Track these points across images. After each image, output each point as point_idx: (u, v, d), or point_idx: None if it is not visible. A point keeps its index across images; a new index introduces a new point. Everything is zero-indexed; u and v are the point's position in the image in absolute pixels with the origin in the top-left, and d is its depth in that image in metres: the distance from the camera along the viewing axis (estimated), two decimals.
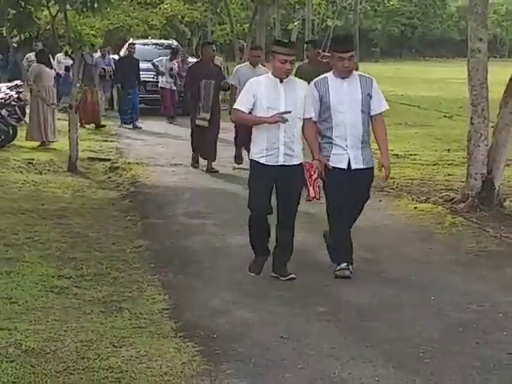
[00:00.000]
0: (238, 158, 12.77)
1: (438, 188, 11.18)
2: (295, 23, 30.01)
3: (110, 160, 13.72)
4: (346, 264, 6.92)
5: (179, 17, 35.30)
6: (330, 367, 5.01)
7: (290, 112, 6.59)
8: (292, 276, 6.80)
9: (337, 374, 4.91)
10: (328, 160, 6.91)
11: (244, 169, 12.41)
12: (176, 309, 6.05)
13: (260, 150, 6.74)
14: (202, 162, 12.88)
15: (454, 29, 79.06)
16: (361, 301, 6.35)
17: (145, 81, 20.70)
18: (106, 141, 16.74)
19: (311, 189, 6.78)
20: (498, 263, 7.50)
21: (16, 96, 14.96)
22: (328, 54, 13.17)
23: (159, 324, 5.69)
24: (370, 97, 6.94)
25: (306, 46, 13.30)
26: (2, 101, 14.63)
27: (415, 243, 8.29)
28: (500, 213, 9.51)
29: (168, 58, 20.72)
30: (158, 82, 21.34)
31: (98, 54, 21.29)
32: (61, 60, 22.36)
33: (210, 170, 12.55)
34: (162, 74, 20.36)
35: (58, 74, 20.99)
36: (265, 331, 5.65)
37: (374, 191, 9.01)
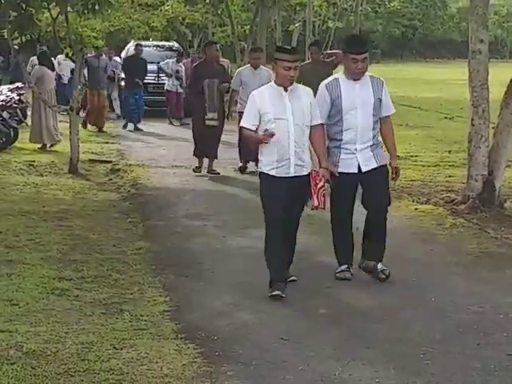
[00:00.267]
0: (243, 170, 12.59)
1: (438, 189, 11.18)
2: (296, 25, 30.03)
3: (110, 162, 13.73)
4: (346, 266, 6.92)
5: (180, 18, 35.30)
6: (331, 368, 5.01)
7: (273, 135, 6.35)
8: (293, 278, 6.74)
9: (337, 376, 4.92)
10: (337, 166, 6.78)
11: (247, 172, 12.45)
12: (177, 311, 6.05)
13: (270, 161, 6.47)
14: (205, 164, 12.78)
15: (455, 30, 79.09)
16: (361, 302, 6.35)
17: (146, 82, 20.65)
18: (106, 143, 16.75)
19: (315, 197, 6.56)
20: (499, 264, 7.50)
21: (17, 98, 14.97)
22: (333, 51, 13.18)
23: (160, 326, 5.69)
24: (381, 100, 6.81)
25: (310, 47, 13.25)
26: (4, 103, 14.64)
27: (416, 244, 8.29)
28: (501, 214, 9.51)
29: (174, 60, 20.63)
30: (159, 83, 21.33)
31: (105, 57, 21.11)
32: (61, 61, 22.37)
33: (211, 172, 12.44)
34: (170, 76, 20.27)
35: (58, 76, 21.00)
36: (265, 333, 5.65)
37: None
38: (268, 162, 6.50)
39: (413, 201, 10.32)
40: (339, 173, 6.77)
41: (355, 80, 6.76)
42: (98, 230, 8.58)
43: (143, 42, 23.62)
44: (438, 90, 32.29)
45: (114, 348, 5.22)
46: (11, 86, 15.95)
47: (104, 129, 18.85)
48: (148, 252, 7.77)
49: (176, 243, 8.21)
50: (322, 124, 6.71)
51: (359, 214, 6.99)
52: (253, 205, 9.96)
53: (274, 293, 6.36)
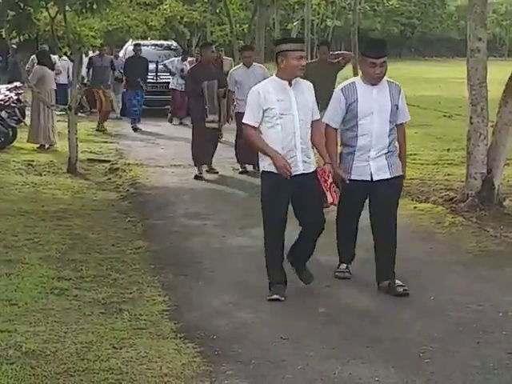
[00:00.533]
0: (244, 172, 12.47)
1: (437, 188, 11.18)
2: (294, 23, 30.02)
3: (109, 161, 13.73)
4: (346, 266, 6.92)
5: (178, 17, 35.27)
6: (331, 368, 5.01)
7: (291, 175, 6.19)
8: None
9: (337, 375, 4.92)
10: (349, 173, 6.57)
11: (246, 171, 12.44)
12: (176, 310, 6.05)
13: None
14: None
15: (454, 28, 79.04)
16: (361, 301, 6.35)
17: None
18: (105, 142, 16.74)
19: (329, 194, 6.38)
20: (498, 263, 7.50)
21: (15, 98, 14.96)
22: (340, 52, 13.07)
23: (159, 325, 5.69)
24: (397, 107, 6.62)
25: (319, 46, 12.90)
26: (2, 102, 14.63)
27: (415, 243, 8.29)
28: (500, 212, 9.51)
29: (179, 58, 20.50)
30: (158, 82, 21.28)
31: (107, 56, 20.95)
32: (55, 61, 22.30)
33: (211, 171, 12.36)
34: (174, 75, 20.15)
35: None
36: (265, 332, 5.65)
37: None
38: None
39: (412, 199, 10.33)
40: (351, 180, 6.59)
41: (373, 85, 6.53)
42: (97, 230, 8.57)
43: (141, 42, 23.60)
44: (437, 89, 32.28)
45: (114, 347, 5.22)
46: (9, 86, 15.93)
47: (102, 128, 18.79)
48: (147, 251, 7.77)
49: (175, 242, 8.21)
50: (335, 128, 6.61)
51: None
52: (252, 204, 9.95)
53: (272, 297, 6.31)
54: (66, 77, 21.40)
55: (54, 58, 22.19)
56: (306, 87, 6.41)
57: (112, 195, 10.82)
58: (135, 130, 18.76)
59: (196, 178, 12.06)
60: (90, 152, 14.80)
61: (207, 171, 12.37)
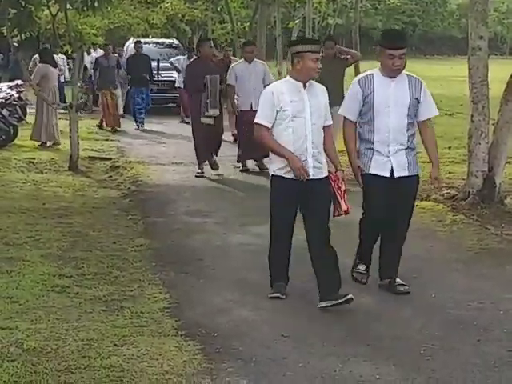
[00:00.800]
0: (245, 171, 12.44)
1: (438, 186, 11.16)
2: (296, 21, 29.94)
3: (110, 159, 13.73)
4: (365, 267, 6.65)
5: (180, 15, 35.21)
6: (331, 365, 5.01)
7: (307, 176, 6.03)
8: (350, 296, 6.02)
9: (337, 372, 4.92)
10: (367, 167, 6.35)
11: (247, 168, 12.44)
12: (177, 307, 6.05)
13: (285, 163, 6.08)
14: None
15: (455, 27, 78.94)
16: (362, 299, 6.34)
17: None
18: (106, 140, 16.74)
19: (343, 202, 6.17)
20: (499, 261, 7.51)
21: (17, 95, 14.97)
22: (347, 50, 12.94)
23: (160, 323, 5.69)
24: (418, 101, 6.35)
25: (324, 42, 12.75)
26: (3, 100, 14.64)
27: (416, 241, 8.26)
28: (501, 210, 9.51)
29: (186, 56, 20.17)
30: (159, 80, 21.23)
31: (116, 56, 20.81)
32: (57, 60, 22.26)
33: (213, 167, 12.15)
34: (180, 72, 19.94)
35: None
36: (265, 329, 5.66)
37: None
38: (282, 164, 6.12)
39: None
40: (370, 174, 6.34)
41: (391, 77, 6.31)
42: (98, 227, 8.57)
43: (142, 40, 23.56)
44: (438, 87, 32.23)
45: (115, 345, 5.22)
46: (11, 84, 15.94)
47: (119, 128, 18.49)
48: (148, 249, 7.77)
49: (176, 240, 8.21)
50: (353, 121, 6.41)
51: None
52: (252, 202, 9.98)
53: (274, 295, 6.30)
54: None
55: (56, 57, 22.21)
56: (320, 91, 6.26)
57: (113, 193, 10.82)
58: (138, 128, 18.64)
59: (197, 176, 12.00)
60: (92, 150, 14.80)
61: (211, 167, 12.11)
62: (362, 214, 6.59)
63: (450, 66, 46.66)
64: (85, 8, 12.80)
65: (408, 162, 6.37)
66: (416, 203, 9.76)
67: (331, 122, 6.32)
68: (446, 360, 5.13)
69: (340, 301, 5.99)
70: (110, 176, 12.18)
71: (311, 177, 6.08)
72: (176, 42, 26.77)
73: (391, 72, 6.29)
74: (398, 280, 6.53)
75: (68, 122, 13.00)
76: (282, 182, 6.16)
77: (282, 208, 6.21)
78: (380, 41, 6.51)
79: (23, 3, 12.64)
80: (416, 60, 67.01)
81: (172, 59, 20.83)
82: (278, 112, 6.08)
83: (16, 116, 15.03)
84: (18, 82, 15.92)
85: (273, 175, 6.26)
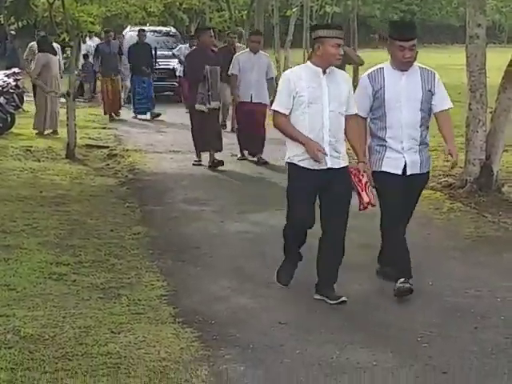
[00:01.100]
0: (243, 159, 12.34)
1: (436, 174, 11.14)
2: (293, 10, 29.87)
3: (108, 147, 13.71)
4: (404, 279, 6.13)
5: (177, 4, 35.11)
6: (329, 352, 5.02)
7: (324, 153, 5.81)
8: (343, 299, 5.94)
9: (335, 359, 4.93)
10: (380, 164, 6.12)
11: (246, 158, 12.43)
12: (174, 295, 6.05)
13: (301, 151, 5.87)
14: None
15: (453, 15, 78.57)
16: (359, 286, 6.36)
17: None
18: (104, 128, 16.71)
19: (364, 194, 5.98)
20: (496, 248, 7.51)
21: (14, 84, 14.96)
22: (351, 54, 12.88)
23: (157, 310, 5.70)
24: (432, 93, 6.09)
25: None
26: (0, 88, 14.61)
27: (413, 229, 8.23)
28: (498, 198, 9.52)
29: (187, 45, 19.85)
30: (157, 69, 21.12)
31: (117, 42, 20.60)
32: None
33: (215, 164, 11.75)
34: (182, 62, 19.80)
35: None
36: (263, 317, 5.66)
37: None
38: (298, 152, 5.91)
39: None
40: (382, 172, 6.12)
41: (402, 71, 6.06)
42: (96, 215, 8.57)
43: (139, 27, 23.43)
44: None
45: (112, 332, 5.23)
46: (8, 72, 15.92)
47: (118, 115, 18.47)
48: (145, 237, 7.77)
49: (173, 228, 8.21)
50: (363, 117, 6.15)
51: None
52: (251, 190, 9.99)
53: (279, 282, 6.29)
54: None
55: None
56: (342, 78, 6.03)
57: (110, 181, 10.81)
58: (135, 117, 18.54)
59: (194, 164, 11.96)
60: (89, 138, 14.78)
61: (212, 165, 11.77)
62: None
63: (448, 54, 46.60)
64: None
65: (421, 161, 6.17)
66: None
67: (355, 111, 6.06)
68: (443, 347, 5.14)
69: (333, 302, 5.92)
70: (108, 164, 12.17)
71: (329, 166, 5.89)
72: (173, 30, 26.69)
73: (402, 65, 6.05)
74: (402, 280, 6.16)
75: (65, 110, 12.97)
76: (299, 171, 5.95)
77: (297, 196, 6.00)
78: (389, 32, 6.23)
79: None
80: None
81: (174, 50, 20.70)
82: (294, 98, 5.88)
83: (13, 104, 15.02)
84: (15, 69, 15.89)
85: (287, 162, 6.06)
